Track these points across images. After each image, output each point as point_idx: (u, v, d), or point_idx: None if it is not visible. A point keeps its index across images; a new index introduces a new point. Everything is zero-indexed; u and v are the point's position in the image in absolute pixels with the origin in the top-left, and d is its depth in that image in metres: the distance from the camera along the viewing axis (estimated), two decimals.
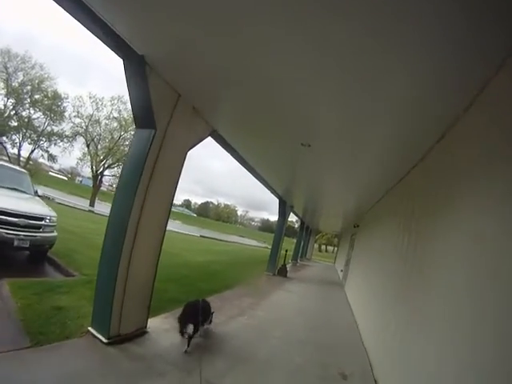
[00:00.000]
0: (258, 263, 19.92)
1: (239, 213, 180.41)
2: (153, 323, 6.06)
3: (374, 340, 6.96)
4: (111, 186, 74.30)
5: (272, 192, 15.98)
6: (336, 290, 16.88)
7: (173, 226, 54.90)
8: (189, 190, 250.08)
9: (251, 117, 6.21)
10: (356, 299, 11.88)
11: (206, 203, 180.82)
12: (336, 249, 60.58)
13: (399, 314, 5.35)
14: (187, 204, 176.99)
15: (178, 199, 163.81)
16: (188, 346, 5.36)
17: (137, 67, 4.67)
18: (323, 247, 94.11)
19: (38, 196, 10.62)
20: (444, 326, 3.44)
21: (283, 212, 18.21)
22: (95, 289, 5.25)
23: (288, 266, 21.78)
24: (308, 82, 4.19)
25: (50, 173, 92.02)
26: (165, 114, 5.39)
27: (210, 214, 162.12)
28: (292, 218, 28.94)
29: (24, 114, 45.38)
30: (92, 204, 47.97)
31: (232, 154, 9.33)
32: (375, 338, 6.92)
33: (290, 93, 4.64)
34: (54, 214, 9.53)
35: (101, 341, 4.92)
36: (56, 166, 66.30)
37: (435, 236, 4.34)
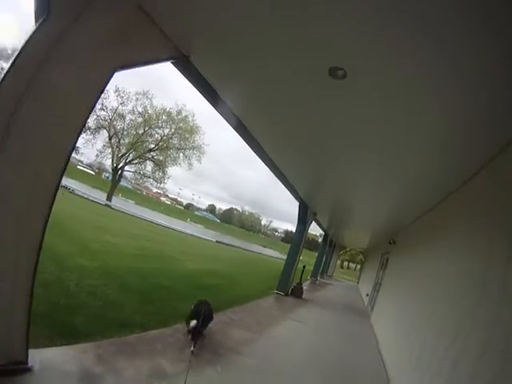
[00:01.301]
0: (272, 278, 16.79)
1: (263, 222, 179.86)
2: (54, 355, 3.94)
3: None
4: (138, 184, 76.24)
5: (291, 192, 13.26)
6: (360, 321, 13.65)
7: (193, 229, 56.59)
8: (214, 195, 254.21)
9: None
10: (388, 339, 8.99)
11: (231, 209, 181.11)
12: (360, 267, 58.70)
13: None
14: (211, 209, 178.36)
15: (203, 203, 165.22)
16: (194, 346, 5.31)
17: None
18: (345, 264, 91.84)
19: None
20: None
21: (304, 218, 15.19)
22: None
23: (306, 284, 19.25)
24: None
25: (79, 166, 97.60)
26: None
27: (233, 220, 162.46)
28: (315, 229, 27.07)
29: None
30: (109, 198, 48.46)
31: (244, 137, 7.79)
32: None
33: None
34: None
35: None
36: (85, 161, 68.84)
37: None
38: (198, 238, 41.39)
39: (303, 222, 15.27)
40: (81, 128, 3.59)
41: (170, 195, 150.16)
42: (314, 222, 18.50)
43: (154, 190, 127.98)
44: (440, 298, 5.38)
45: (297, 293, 14.90)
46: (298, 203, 14.89)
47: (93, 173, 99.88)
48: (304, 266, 16.49)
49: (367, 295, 19.59)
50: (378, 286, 15.66)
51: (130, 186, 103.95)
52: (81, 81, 3.45)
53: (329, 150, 6.91)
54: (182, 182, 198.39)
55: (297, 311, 11.87)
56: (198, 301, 6.28)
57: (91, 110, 3.73)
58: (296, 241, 15.62)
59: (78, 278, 7.64)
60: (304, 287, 16.05)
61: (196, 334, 5.63)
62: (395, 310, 9.42)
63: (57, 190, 3.33)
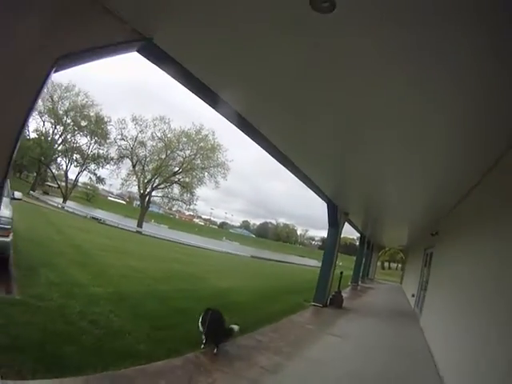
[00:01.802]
0: (309, 288, 15.18)
1: (299, 232, 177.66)
2: None
3: None
4: (169, 209, 77.83)
5: (318, 193, 12.48)
6: (409, 327, 12.29)
7: (228, 247, 56.61)
8: (248, 211, 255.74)
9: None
10: (445, 349, 7.59)
11: (265, 223, 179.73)
12: (401, 266, 58.47)
13: None
14: (246, 225, 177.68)
15: (236, 221, 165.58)
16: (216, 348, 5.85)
17: None
18: (386, 264, 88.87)
19: (15, 199, 9.65)
20: None
21: (334, 220, 13.93)
22: None
23: (346, 291, 18.90)
24: None
25: (109, 198, 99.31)
26: None
27: (268, 234, 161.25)
28: (352, 233, 26.20)
29: (70, 138, 52.52)
30: (140, 225, 49.06)
31: (259, 142, 7.60)
32: None
33: None
34: (8, 213, 7.86)
35: None
36: (115, 191, 71.47)
37: None
38: (231, 255, 41.64)
39: (334, 224, 14.04)
40: (19, 131, 3.03)
41: (203, 216, 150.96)
42: (347, 225, 17.52)
43: (187, 213, 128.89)
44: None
45: (336, 302, 13.65)
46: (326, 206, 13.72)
47: (124, 202, 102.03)
48: (341, 273, 15.17)
49: (413, 296, 18.01)
50: (425, 285, 14.21)
51: (161, 212, 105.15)
52: (15, 75, 2.88)
53: (351, 139, 6.51)
54: (213, 203, 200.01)
55: (336, 324, 10.66)
56: (207, 308, 6.30)
57: (31, 110, 3.12)
58: (329, 246, 14.39)
59: (83, 305, 7.00)
60: (344, 295, 14.80)
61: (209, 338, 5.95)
62: (448, 310, 8.10)
63: None
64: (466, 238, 7.67)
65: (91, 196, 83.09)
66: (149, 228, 52.08)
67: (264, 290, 15.37)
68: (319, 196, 12.92)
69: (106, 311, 7.02)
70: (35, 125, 50.23)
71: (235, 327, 6.34)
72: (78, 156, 53.51)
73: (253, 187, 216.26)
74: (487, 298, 5.07)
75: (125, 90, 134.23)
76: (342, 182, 10.86)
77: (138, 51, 4.15)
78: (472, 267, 6.58)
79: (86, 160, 53.43)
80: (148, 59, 4.56)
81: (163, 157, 52.00)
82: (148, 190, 52.69)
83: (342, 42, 3.40)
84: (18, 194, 9.99)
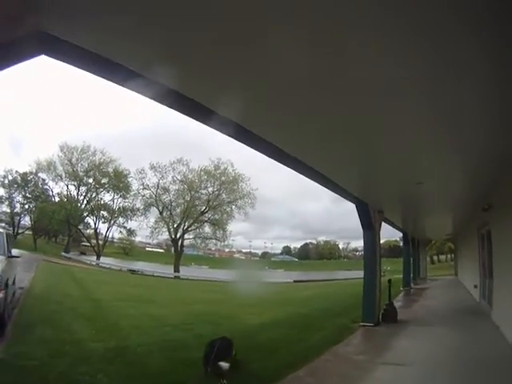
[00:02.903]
0: (358, 305, 12.55)
1: (341, 246, 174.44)
2: None
3: None
4: (209, 249, 78.82)
5: (344, 195, 11.22)
6: (481, 329, 9.92)
7: (273, 275, 54.99)
8: (287, 237, 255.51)
9: None
10: None
11: (305, 245, 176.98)
12: (453, 256, 54.89)
13: None
14: (287, 250, 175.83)
15: (277, 248, 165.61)
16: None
17: None
18: (435, 258, 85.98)
19: (12, 257, 9.96)
20: None
21: (368, 220, 11.92)
22: None
23: (399, 299, 17.73)
24: None
25: (147, 248, 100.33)
26: None
27: (310, 254, 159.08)
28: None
29: (94, 196, 55.05)
30: (176, 269, 50.07)
31: (268, 153, 7.22)
32: None
33: None
34: None
35: None
36: (154, 242, 76.09)
37: None
38: (272, 284, 40.06)
39: (369, 225, 12.03)
40: None
41: (244, 250, 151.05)
42: (386, 226, 16.13)
43: (226, 250, 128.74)
44: None
45: (389, 317, 11.44)
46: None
47: (162, 250, 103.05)
48: (389, 280, 12.99)
49: (475, 287, 15.55)
50: (489, 271, 11.93)
51: (201, 253, 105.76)
52: None
53: (375, 126, 5.76)
54: (252, 235, 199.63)
55: (393, 346, 8.58)
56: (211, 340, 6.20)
57: None
58: (368, 252, 12.33)
59: (71, 363, 6.35)
60: (397, 304, 12.86)
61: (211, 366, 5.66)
62: None
63: None
64: None
65: (128, 249, 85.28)
66: (188, 271, 52.52)
67: (304, 317, 13.26)
68: (347, 198, 11.63)
69: (94, 370, 6.11)
70: (58, 189, 54.19)
71: (224, 365, 5.67)
72: (105, 212, 55.95)
73: (288, 211, 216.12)
74: None
75: (137, 140, 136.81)
76: (370, 175, 9.37)
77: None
78: None
79: (113, 215, 55.59)
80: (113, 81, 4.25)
81: (188, 198, 52.77)
82: (179, 233, 53.32)
83: None
84: (15, 252, 10.48)
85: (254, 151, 6.70)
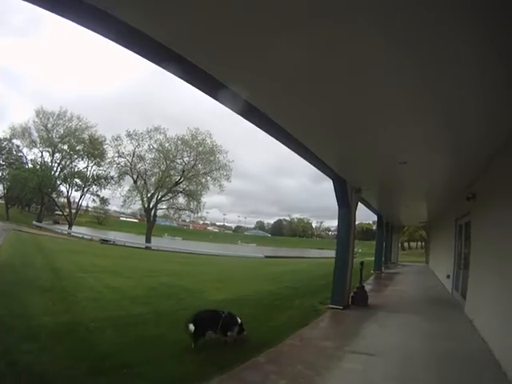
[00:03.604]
0: (328, 285, 11.69)
1: (314, 225, 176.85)
2: None
3: None
4: (184, 220, 78.50)
5: (321, 168, 10.28)
6: (454, 324, 9.30)
7: (244, 250, 56.42)
8: (262, 212, 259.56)
9: None
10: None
11: (279, 221, 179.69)
12: (423, 244, 59.28)
13: None
14: (260, 226, 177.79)
15: (251, 222, 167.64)
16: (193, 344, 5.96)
17: None
18: (406, 244, 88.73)
19: None
20: None
21: (344, 198, 11.32)
22: None
23: (370, 282, 17.48)
24: None
25: (121, 218, 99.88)
26: None
27: (284, 231, 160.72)
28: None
29: (68, 163, 54.04)
30: (148, 240, 49.51)
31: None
32: None
33: None
34: None
35: None
36: (129, 211, 75.24)
37: None
38: (243, 259, 39.79)
39: (345, 203, 11.41)
40: None
41: (218, 223, 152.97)
42: (360, 208, 15.12)
43: (201, 223, 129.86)
44: None
45: (360, 300, 11.03)
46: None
47: (136, 220, 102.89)
48: (362, 263, 12.52)
49: (448, 277, 15.28)
50: (464, 263, 11.65)
51: (175, 224, 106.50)
52: None
53: (357, 100, 5.51)
54: (227, 208, 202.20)
55: (362, 333, 8.00)
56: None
57: None
58: (342, 231, 11.63)
59: (16, 340, 5.86)
60: (368, 287, 12.49)
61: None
62: None
63: None
64: None
65: (102, 219, 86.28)
66: (160, 242, 52.98)
67: (272, 296, 12.81)
68: (324, 172, 10.78)
69: (40, 349, 5.61)
70: (32, 156, 53.13)
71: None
72: (79, 180, 54.90)
73: (265, 187, 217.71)
74: None
75: (114, 106, 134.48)
76: (351, 149, 8.63)
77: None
78: None
79: (87, 183, 54.67)
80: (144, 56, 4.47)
81: (163, 168, 52.01)
82: (152, 203, 52.43)
83: None
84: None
85: (233, 124, 6.08)
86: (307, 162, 9.71)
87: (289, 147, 8.26)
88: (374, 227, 31.91)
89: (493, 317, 7.19)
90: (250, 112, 6.12)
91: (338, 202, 11.47)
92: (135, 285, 13.39)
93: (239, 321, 6.47)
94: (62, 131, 51.52)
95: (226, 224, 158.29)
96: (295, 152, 8.69)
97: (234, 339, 6.31)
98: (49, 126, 50.72)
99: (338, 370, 5.56)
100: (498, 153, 7.17)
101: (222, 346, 6.25)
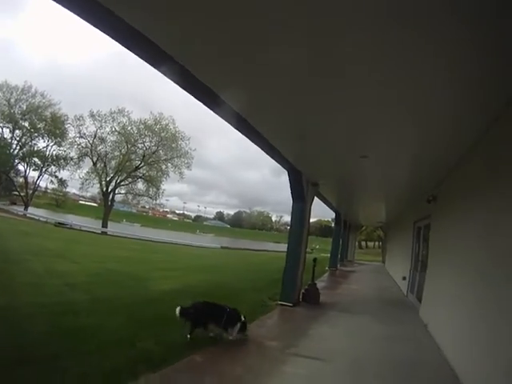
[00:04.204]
0: (280, 280, 11.75)
1: (273, 219, 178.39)
2: None
3: None
4: (143, 207, 77.28)
5: (277, 159, 9.65)
6: (409, 328, 8.92)
7: (202, 240, 55.72)
8: (223, 203, 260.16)
9: None
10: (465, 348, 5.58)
11: (239, 213, 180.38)
12: (380, 244, 58.34)
13: None
14: (220, 216, 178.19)
15: (211, 213, 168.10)
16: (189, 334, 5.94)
17: None
18: (363, 244, 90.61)
19: None
20: None
21: (299, 191, 10.81)
22: None
23: (324, 278, 17.31)
24: None
25: (80, 201, 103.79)
26: None
27: (243, 223, 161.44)
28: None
29: (28, 141, 51.39)
30: (105, 225, 47.73)
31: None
32: None
33: None
34: None
35: None
36: (88, 195, 78.30)
37: None
38: (199, 248, 39.82)
39: (300, 197, 10.92)
40: None
41: (177, 211, 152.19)
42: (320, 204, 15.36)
43: (161, 210, 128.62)
44: None
45: (311, 298, 10.66)
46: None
47: (96, 205, 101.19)
48: (315, 259, 12.15)
49: (404, 279, 15.14)
50: (421, 266, 11.54)
51: (134, 211, 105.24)
52: None
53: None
54: (188, 197, 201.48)
55: (311, 333, 7.56)
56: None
57: None
58: (296, 224, 11.12)
59: None
60: (322, 284, 12.29)
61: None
62: (471, 300, 5.63)
63: None
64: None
65: (61, 201, 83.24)
66: (118, 228, 51.47)
67: (221, 287, 12.21)
68: (279, 162, 10.05)
69: None
70: None
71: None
72: (37, 159, 52.41)
73: (227, 178, 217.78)
74: None
75: (80, 84, 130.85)
76: (307, 142, 8.01)
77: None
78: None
79: (45, 163, 52.34)
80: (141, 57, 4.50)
81: (124, 151, 50.30)
82: (111, 187, 50.87)
83: None
84: None
85: (206, 113, 6.05)
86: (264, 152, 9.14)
87: (241, 132, 7.66)
88: (333, 224, 32.06)
89: (448, 322, 6.97)
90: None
91: (292, 194, 11.00)
92: (80, 270, 12.68)
93: (243, 318, 6.44)
94: (24, 107, 49.19)
95: (186, 213, 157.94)
96: (247, 137, 8.03)
97: (233, 337, 6.27)
98: (12, 100, 48.37)
99: (279, 375, 5.09)
100: (461, 160, 7.19)
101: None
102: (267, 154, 9.17)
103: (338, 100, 5.32)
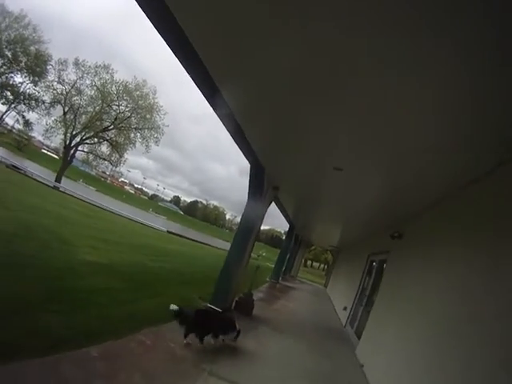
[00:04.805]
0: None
1: (228, 217, 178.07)
2: None
3: None
4: (104, 172, 74.19)
5: (243, 149, 8.37)
6: (343, 365, 8.27)
7: (152, 219, 54.85)
8: (183, 188, 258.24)
9: None
10: None
11: (195, 202, 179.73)
12: (326, 267, 59.81)
13: None
14: (176, 201, 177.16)
15: (168, 195, 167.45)
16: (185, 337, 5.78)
17: None
18: (309, 262, 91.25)
19: None
20: None
21: (258, 188, 9.80)
22: None
23: (263, 289, 16.46)
24: None
25: (43, 150, 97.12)
26: None
27: (197, 213, 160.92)
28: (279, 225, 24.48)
29: (5, 72, 47.31)
30: (58, 180, 45.67)
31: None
32: None
33: None
34: None
35: None
36: (52, 145, 74.00)
37: None
38: (145, 227, 38.60)
39: (257, 195, 9.86)
40: None
41: (136, 185, 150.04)
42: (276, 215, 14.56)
43: (120, 180, 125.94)
44: None
45: (243, 308, 9.75)
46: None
47: (57, 157, 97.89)
48: (257, 267, 11.36)
49: (345, 309, 14.63)
50: (367, 301, 10.93)
51: (94, 174, 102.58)
52: None
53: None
54: (150, 174, 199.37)
55: (234, 349, 6.61)
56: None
57: None
58: (245, 224, 9.93)
59: None
60: (259, 295, 11.77)
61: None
62: (419, 352, 5.18)
63: None
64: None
65: (23, 145, 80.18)
66: (71, 186, 49.49)
67: (150, 273, 11.41)
68: (245, 153, 8.82)
69: None
70: None
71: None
72: (10, 94, 48.91)
73: (192, 165, 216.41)
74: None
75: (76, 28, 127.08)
76: (277, 139, 7.36)
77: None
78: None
79: (17, 99, 49.07)
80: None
81: (98, 109, 48.31)
82: (74, 142, 48.56)
83: None
84: None
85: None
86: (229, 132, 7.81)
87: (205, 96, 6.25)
88: (284, 236, 31.78)
89: (387, 369, 6.38)
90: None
91: (249, 190, 9.94)
92: (9, 218, 11.36)
93: (238, 327, 6.61)
94: (12, 36, 46.08)
95: (144, 189, 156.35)
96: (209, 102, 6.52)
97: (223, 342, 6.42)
98: (2, 25, 45.37)
99: None
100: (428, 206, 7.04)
101: None
102: (233, 138, 7.90)
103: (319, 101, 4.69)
